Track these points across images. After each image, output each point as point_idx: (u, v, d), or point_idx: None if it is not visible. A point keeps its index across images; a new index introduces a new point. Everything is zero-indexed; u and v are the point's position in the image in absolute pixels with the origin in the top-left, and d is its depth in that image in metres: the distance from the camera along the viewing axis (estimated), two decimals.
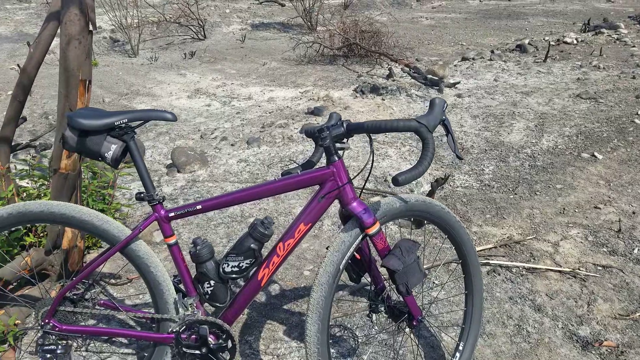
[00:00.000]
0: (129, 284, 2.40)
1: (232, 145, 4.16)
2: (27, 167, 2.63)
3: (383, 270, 1.67)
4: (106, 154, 1.47)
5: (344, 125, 1.46)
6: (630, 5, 11.89)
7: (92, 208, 2.63)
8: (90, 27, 1.98)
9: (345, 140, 1.50)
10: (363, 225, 1.45)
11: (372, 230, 1.46)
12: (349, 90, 5.51)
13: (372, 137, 1.48)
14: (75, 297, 1.62)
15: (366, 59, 7.04)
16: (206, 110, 5.40)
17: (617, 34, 7.82)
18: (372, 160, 1.48)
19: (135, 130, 1.52)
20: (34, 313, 1.87)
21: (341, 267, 1.44)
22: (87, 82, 2.01)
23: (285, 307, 2.21)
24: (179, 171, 3.70)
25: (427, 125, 1.31)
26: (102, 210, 2.68)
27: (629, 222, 2.81)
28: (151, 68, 7.28)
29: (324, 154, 1.65)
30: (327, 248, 1.70)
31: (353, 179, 1.49)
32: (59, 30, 2.11)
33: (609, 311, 2.17)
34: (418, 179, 3.22)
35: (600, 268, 2.44)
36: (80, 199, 2.22)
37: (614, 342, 2.01)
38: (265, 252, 1.54)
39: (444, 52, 7.82)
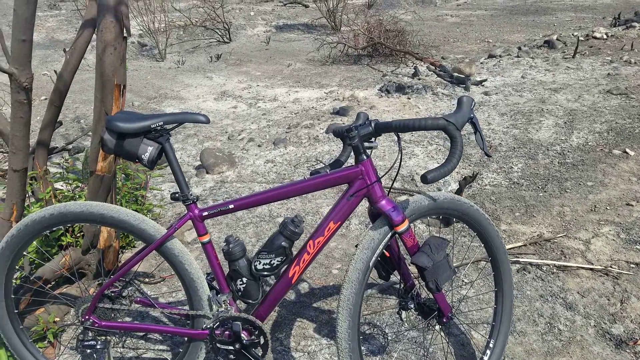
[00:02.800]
0: (162, 282, 2.47)
1: (259, 146, 4.22)
2: (61, 170, 2.72)
3: (412, 268, 1.69)
4: (143, 156, 1.52)
5: (372, 124, 1.48)
6: None
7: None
8: (125, 34, 2.04)
9: (373, 139, 1.52)
10: (392, 222, 1.47)
11: (401, 228, 1.47)
12: (374, 89, 5.51)
13: (400, 136, 1.50)
14: (113, 294, 1.67)
15: (391, 58, 7.03)
16: (233, 112, 5.48)
17: None
18: (400, 159, 1.49)
19: (170, 132, 1.57)
20: (74, 310, 1.95)
21: (371, 265, 1.46)
22: (122, 87, 2.07)
23: (314, 305, 2.24)
24: (207, 172, 3.78)
25: (455, 123, 1.32)
26: (135, 211, 2.76)
27: None
28: (178, 71, 7.43)
29: (352, 153, 1.68)
30: (356, 246, 1.73)
31: (382, 177, 1.51)
32: (93, 37, 2.18)
33: None
34: (446, 177, 3.21)
35: (633, 266, 2.40)
36: (115, 200, 2.28)
37: None
38: (295, 250, 1.58)
39: (470, 50, 7.74)
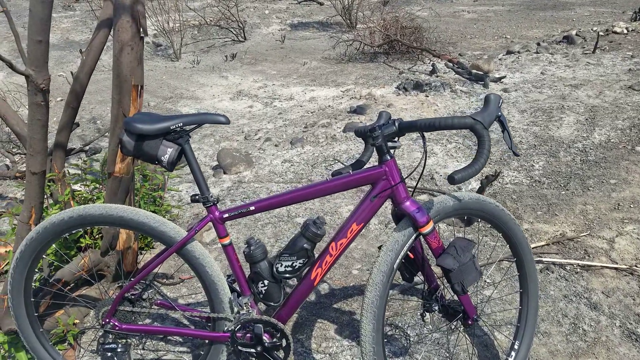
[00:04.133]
0: (181, 284, 2.48)
1: (275, 145, 4.22)
2: (79, 172, 2.73)
3: (436, 269, 1.67)
4: (162, 158, 1.50)
5: (396, 123, 1.46)
6: None
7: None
8: (142, 34, 2.02)
9: (396, 138, 1.50)
10: (416, 224, 1.45)
11: (426, 230, 1.46)
12: (392, 87, 5.48)
13: (425, 136, 1.48)
14: (133, 297, 1.67)
15: (407, 55, 6.98)
16: (249, 111, 5.49)
17: None
18: (425, 159, 1.48)
19: (190, 133, 1.55)
20: (93, 312, 1.95)
21: (395, 267, 1.45)
22: (140, 88, 2.05)
23: (335, 306, 2.23)
24: (225, 172, 3.79)
25: (482, 122, 1.30)
26: (153, 212, 2.75)
27: None
28: (193, 71, 7.46)
29: (374, 153, 1.67)
30: (378, 247, 1.71)
31: (406, 178, 1.50)
32: (109, 37, 2.18)
33: None
34: None
35: None
36: (133, 202, 2.27)
37: None
38: (317, 252, 1.56)
39: (488, 46, 7.65)
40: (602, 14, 9.50)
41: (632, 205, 2.84)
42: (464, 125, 1.31)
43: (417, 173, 3.14)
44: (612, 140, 3.69)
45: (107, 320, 1.64)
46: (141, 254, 2.66)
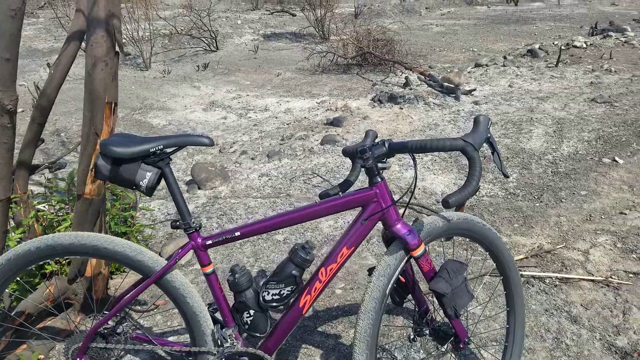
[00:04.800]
0: (155, 310, 2.37)
1: (252, 159, 4.18)
2: (43, 190, 2.56)
3: (424, 287, 1.66)
4: (141, 182, 1.40)
5: (386, 144, 1.45)
6: (634, 8, 11.88)
7: (115, 231, 2.53)
8: (117, 49, 1.94)
9: (386, 159, 1.49)
10: (408, 247, 1.43)
11: (418, 252, 1.44)
12: (366, 99, 5.53)
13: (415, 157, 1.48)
14: (106, 331, 1.55)
15: (380, 67, 7.07)
16: (222, 123, 5.43)
17: (625, 37, 7.80)
18: (416, 180, 1.47)
19: (170, 156, 1.47)
20: (63, 349, 1.79)
21: (387, 292, 1.41)
22: (114, 105, 1.96)
23: (319, 329, 2.21)
24: (199, 188, 3.71)
25: (473, 144, 1.31)
26: (124, 233, 2.62)
27: None
28: (164, 81, 7.35)
29: (361, 173, 1.66)
30: (368, 271, 1.70)
31: (397, 201, 1.49)
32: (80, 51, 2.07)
33: None
34: (444, 189, 3.22)
35: (632, 275, 2.43)
36: (104, 225, 2.15)
37: None
38: (305, 278, 1.52)
39: (456, 59, 7.82)
40: (562, 29, 9.88)
41: (603, 216, 2.94)
42: (455, 147, 1.32)
43: (411, 195, 3.17)
44: (580, 152, 3.81)
45: (78, 359, 1.52)
46: (112, 278, 2.53)
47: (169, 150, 1.44)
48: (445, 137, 1.36)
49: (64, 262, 2.27)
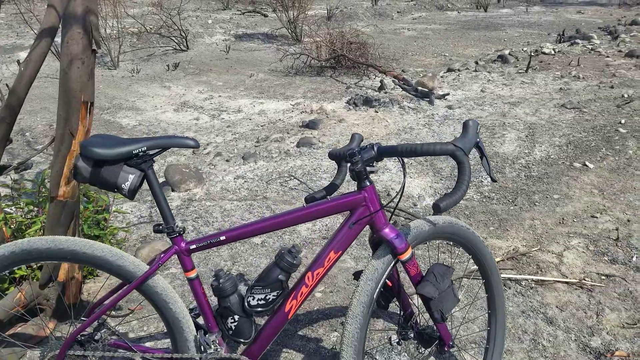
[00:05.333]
0: (130, 315, 2.30)
1: (227, 161, 4.12)
2: (10, 192, 2.46)
3: (411, 293, 1.66)
4: (123, 185, 1.37)
5: (374, 148, 1.45)
6: (599, 17, 12.31)
7: (88, 234, 2.47)
8: (94, 47, 1.90)
9: (374, 163, 1.48)
10: (395, 251, 1.44)
11: (405, 256, 1.45)
12: (341, 102, 5.53)
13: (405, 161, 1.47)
14: (83, 338, 1.50)
15: (354, 70, 7.09)
16: (195, 124, 5.34)
17: (591, 45, 8.05)
18: (404, 185, 1.47)
19: (154, 158, 1.43)
20: (39, 357, 1.73)
21: (375, 297, 1.41)
22: (90, 104, 1.91)
23: (300, 332, 2.18)
24: (173, 190, 3.63)
25: (463, 148, 1.31)
26: (97, 236, 2.56)
27: (624, 230, 2.88)
28: (133, 80, 7.18)
29: (347, 176, 1.65)
30: (353, 275, 1.68)
31: (386, 205, 1.48)
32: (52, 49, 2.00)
33: (617, 321, 2.21)
34: (420, 192, 3.23)
35: (604, 277, 2.49)
36: (77, 228, 2.09)
37: (625, 351, 2.05)
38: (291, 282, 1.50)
39: (428, 63, 7.92)
40: (530, 35, 10.14)
41: (575, 220, 3.01)
42: (445, 151, 1.32)
43: (398, 199, 3.16)
44: (551, 157, 3.90)
45: None
46: (84, 283, 2.45)
47: (152, 152, 1.40)
48: (436, 142, 1.36)
49: (35, 266, 2.20)
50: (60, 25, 2.02)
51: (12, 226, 2.30)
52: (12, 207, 2.49)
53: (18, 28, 9.38)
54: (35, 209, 2.43)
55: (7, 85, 2.32)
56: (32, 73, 2.08)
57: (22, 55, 7.90)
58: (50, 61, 5.82)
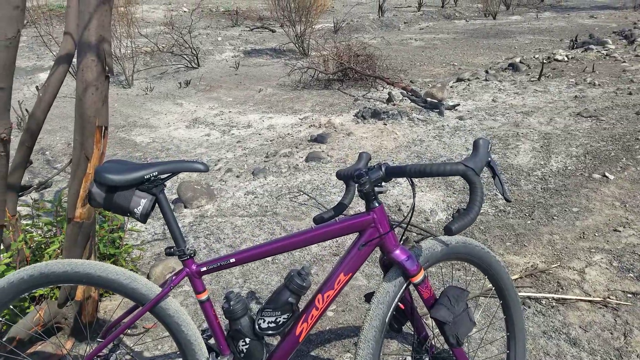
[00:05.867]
0: (145, 334, 2.28)
1: (237, 176, 4.08)
2: (30, 211, 2.53)
3: (424, 314, 1.59)
4: (135, 210, 1.40)
5: (382, 168, 1.40)
6: (613, 21, 12.16)
7: (103, 253, 2.54)
8: (107, 73, 1.93)
9: (383, 183, 1.43)
10: (407, 273, 1.38)
11: (418, 279, 1.39)
12: (349, 115, 5.48)
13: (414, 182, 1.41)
14: (99, 359, 1.52)
15: (361, 82, 7.05)
16: (206, 140, 5.33)
17: (606, 50, 7.93)
18: (413, 206, 1.41)
19: (165, 182, 1.45)
20: None
21: (387, 320, 1.36)
22: (104, 129, 1.96)
23: (312, 353, 2.11)
24: (185, 206, 3.61)
25: (474, 168, 1.25)
26: (112, 255, 2.59)
27: None
28: (147, 98, 7.23)
29: (355, 196, 1.59)
30: (365, 297, 1.62)
31: (395, 227, 1.42)
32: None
33: None
34: (432, 207, 3.15)
35: (630, 295, 2.38)
36: (94, 249, 2.12)
37: None
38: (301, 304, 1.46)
39: (437, 73, 7.86)
40: (542, 42, 10.04)
41: (596, 234, 2.90)
42: (455, 172, 1.27)
43: (409, 219, 3.09)
44: (569, 168, 3.80)
45: None
46: (101, 301, 2.45)
47: (163, 176, 1.43)
48: (445, 162, 1.30)
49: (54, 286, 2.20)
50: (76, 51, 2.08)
51: (31, 246, 2.35)
52: (32, 227, 2.53)
53: (38, 50, 9.55)
54: (54, 228, 2.47)
55: (26, 110, 2.38)
56: (50, 98, 2.18)
57: (42, 76, 8.04)
58: (68, 81, 5.87)
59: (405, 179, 3.64)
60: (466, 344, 2.10)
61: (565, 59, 7.47)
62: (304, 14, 9.46)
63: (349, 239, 2.99)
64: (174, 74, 8.49)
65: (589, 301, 2.34)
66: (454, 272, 2.61)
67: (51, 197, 3.76)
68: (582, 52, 7.92)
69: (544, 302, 2.35)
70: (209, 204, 3.61)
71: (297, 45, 9.62)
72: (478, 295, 2.39)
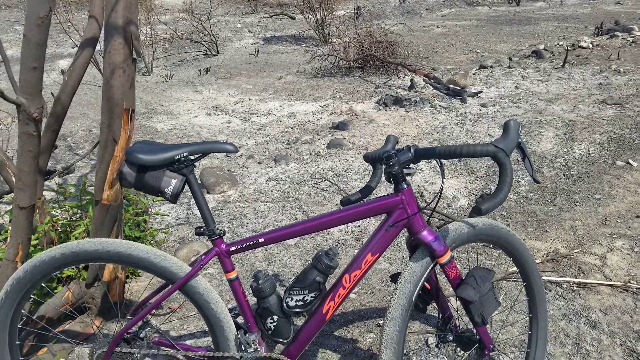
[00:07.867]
0: (171, 314, 2.36)
1: (259, 163, 4.15)
2: (53, 195, 2.58)
3: (448, 295, 1.63)
4: (166, 189, 1.42)
5: (411, 150, 1.43)
6: None
7: (129, 236, 2.58)
8: (134, 56, 1.95)
9: (411, 165, 1.47)
10: (434, 254, 1.42)
11: (444, 259, 1.42)
12: (371, 102, 5.49)
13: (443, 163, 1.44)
14: (129, 336, 1.57)
15: (382, 69, 7.03)
16: (227, 127, 5.40)
17: (632, 37, 7.75)
18: (442, 188, 1.44)
19: (195, 163, 1.48)
20: (88, 354, 1.81)
21: (413, 299, 1.40)
22: (131, 111, 1.97)
23: (336, 333, 2.17)
24: (208, 192, 3.69)
25: (504, 149, 1.28)
26: (138, 238, 2.64)
27: None
28: (166, 86, 7.32)
29: (382, 179, 1.63)
30: (390, 277, 1.67)
31: (424, 208, 1.46)
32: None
33: None
34: (455, 193, 3.18)
35: None
36: (121, 230, 2.16)
37: None
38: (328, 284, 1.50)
39: (459, 61, 7.79)
40: (566, 29, 9.85)
41: (618, 220, 2.90)
42: (486, 153, 1.29)
43: (437, 201, 3.13)
44: (592, 155, 3.77)
45: None
46: (127, 282, 2.53)
47: (193, 157, 1.45)
48: (476, 143, 1.33)
49: (82, 266, 2.30)
50: (101, 35, 2.08)
51: (58, 229, 2.40)
52: (58, 210, 2.59)
53: (57, 37, 9.69)
54: (79, 212, 2.52)
55: (52, 93, 2.42)
56: (75, 82, 2.17)
57: (62, 63, 8.18)
58: (87, 69, 5.99)
59: (428, 165, 3.67)
60: (489, 326, 2.14)
61: (590, 46, 7.34)
62: (324, 0, 9.43)
63: (372, 224, 3.03)
64: (193, 61, 8.57)
65: (610, 285, 2.36)
66: (477, 257, 2.64)
67: (74, 182, 3.86)
68: (607, 39, 7.76)
69: (564, 286, 2.38)
70: (231, 189, 3.68)
71: (317, 32, 9.61)
72: (501, 278, 2.43)
